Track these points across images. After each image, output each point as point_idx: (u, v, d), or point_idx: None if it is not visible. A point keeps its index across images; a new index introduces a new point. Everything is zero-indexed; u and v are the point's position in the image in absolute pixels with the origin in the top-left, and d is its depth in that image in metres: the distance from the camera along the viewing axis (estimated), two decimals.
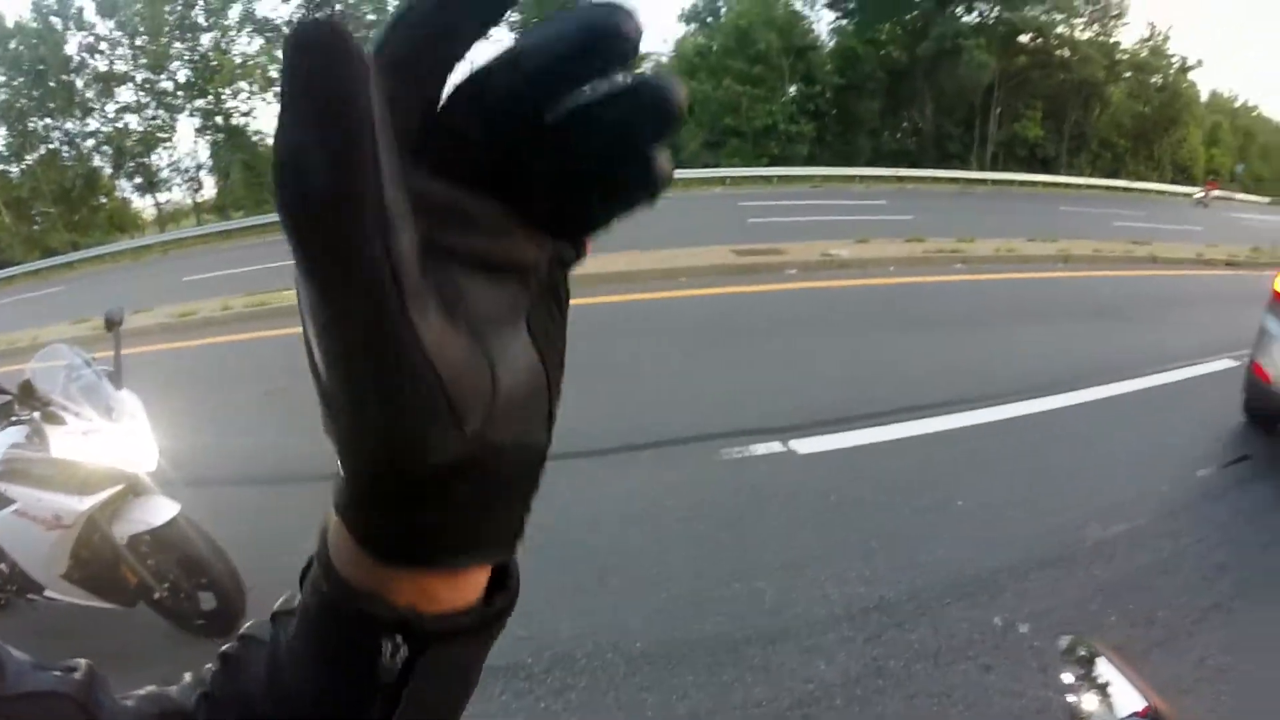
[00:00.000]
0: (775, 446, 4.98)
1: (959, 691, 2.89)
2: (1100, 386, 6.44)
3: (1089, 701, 1.13)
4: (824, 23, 44.54)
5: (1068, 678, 1.16)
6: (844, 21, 42.03)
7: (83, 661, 0.46)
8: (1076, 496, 4.59)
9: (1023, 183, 33.13)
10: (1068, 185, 34.47)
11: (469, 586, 0.37)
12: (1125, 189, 36.61)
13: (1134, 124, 44.47)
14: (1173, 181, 43.22)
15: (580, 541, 4.20)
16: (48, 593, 3.49)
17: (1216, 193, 36.37)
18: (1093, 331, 8.65)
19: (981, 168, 35.29)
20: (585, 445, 5.29)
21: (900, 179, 29.90)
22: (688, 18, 44.73)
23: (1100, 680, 1.13)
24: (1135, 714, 1.08)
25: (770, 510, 4.26)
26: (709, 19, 43.24)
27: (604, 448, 5.25)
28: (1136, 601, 3.73)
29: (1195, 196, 34.27)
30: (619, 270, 10.92)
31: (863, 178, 29.50)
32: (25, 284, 30.69)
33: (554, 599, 3.67)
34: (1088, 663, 1.15)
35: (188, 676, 0.48)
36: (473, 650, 0.40)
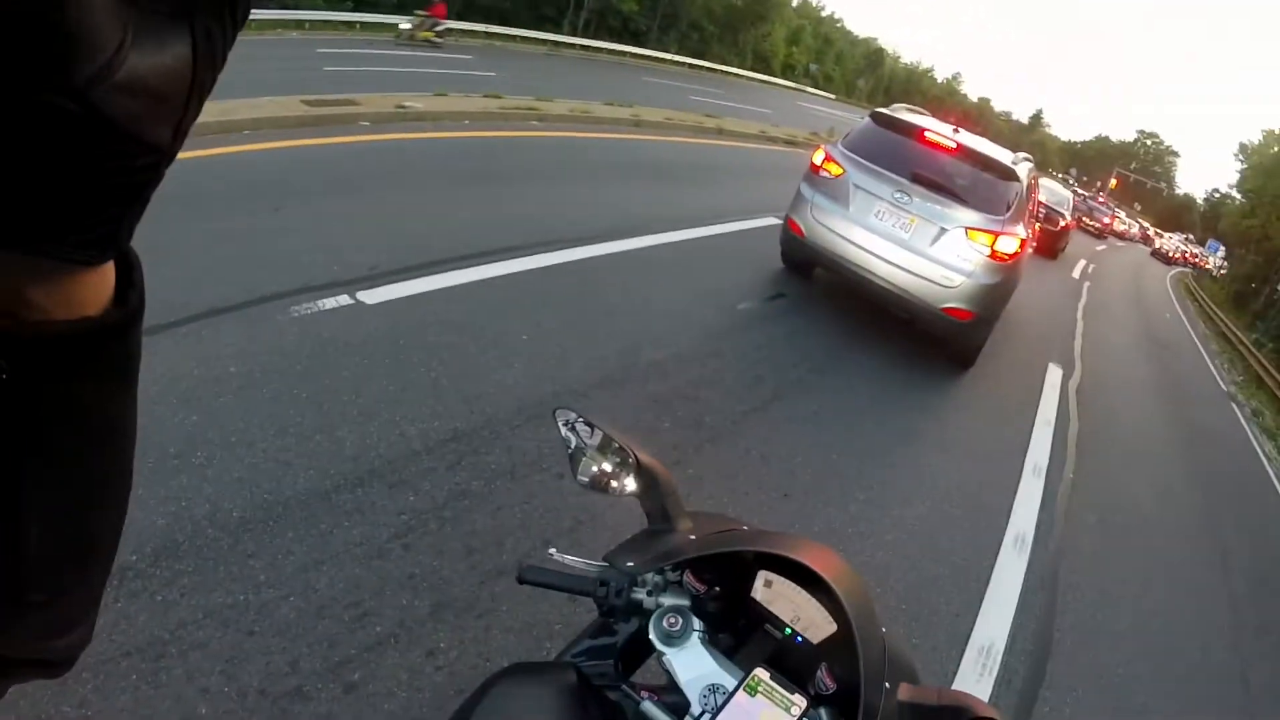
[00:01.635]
0: (344, 299, 4.95)
1: (538, 498, 3.41)
2: (656, 235, 7.47)
3: (623, 481, 1.42)
4: None
5: (604, 465, 1.44)
6: None
7: None
8: (630, 328, 5.39)
9: (611, 51, 34.79)
10: (654, 59, 36.89)
11: (77, 295, 0.34)
12: (708, 68, 40.13)
13: (724, 13, 48.51)
14: (752, 69, 48.12)
15: (156, 422, 3.94)
16: None
17: (450, 24, 27.53)
18: (655, 188, 9.95)
19: (574, 33, 36.30)
20: (148, 321, 4.89)
21: (489, 35, 29.78)
22: None
23: (624, 460, 1.41)
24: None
25: (343, 362, 4.30)
26: None
27: (162, 322, 4.88)
28: (686, 409, 4.52)
29: (404, 28, 25.75)
30: None
31: (450, 30, 28.90)
32: None
33: (138, 491, 3.43)
34: (612, 449, 1.43)
35: None
36: (99, 378, 0.37)
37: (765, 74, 50.02)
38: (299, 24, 27.57)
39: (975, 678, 3.53)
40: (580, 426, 1.46)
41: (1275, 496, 8.80)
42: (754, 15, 50.95)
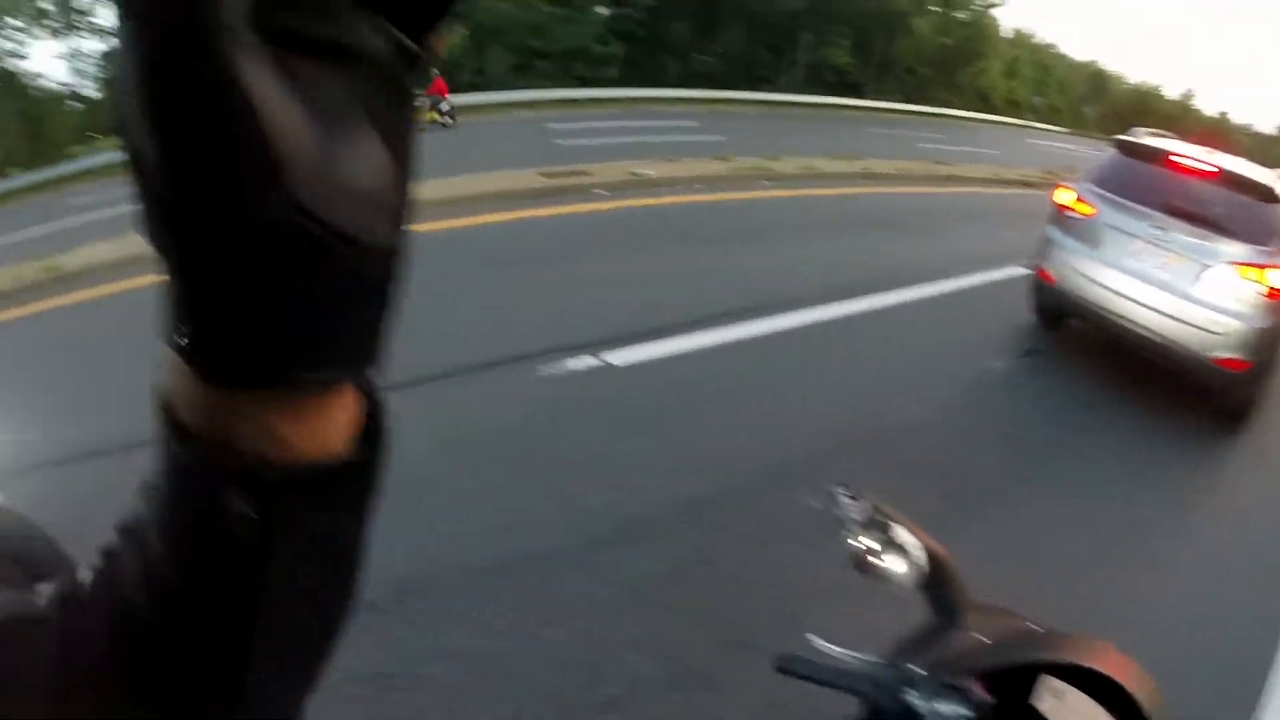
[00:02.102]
0: (590, 361, 5.08)
1: (782, 570, 3.18)
2: (897, 291, 7.08)
3: (894, 563, 1.27)
4: None
5: (872, 543, 1.29)
6: None
7: None
8: (875, 389, 5.11)
9: (832, 106, 34.45)
10: (875, 109, 36.23)
11: (325, 430, 0.33)
12: (930, 114, 38.88)
13: (937, 54, 47.38)
14: (974, 108, 46.44)
15: (406, 473, 4.13)
16: None
17: (453, 100, 22.82)
18: (892, 242, 9.45)
19: (791, 91, 36.32)
20: (397, 378, 5.22)
21: (711, 101, 30.20)
22: None
23: (898, 541, 1.25)
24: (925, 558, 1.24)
25: (590, 421, 4.40)
26: None
27: (418, 378, 5.19)
28: (942, 476, 4.18)
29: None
30: (420, 199, 10.57)
31: (673, 99, 29.58)
32: None
33: (389, 532, 3.62)
34: (882, 525, 1.28)
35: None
36: (342, 512, 0.37)
37: (987, 112, 47.92)
38: (529, 104, 29.31)
39: None
40: (848, 499, 1.34)
41: None
42: (967, 52, 49.31)
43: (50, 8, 35.63)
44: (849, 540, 1.31)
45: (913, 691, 1.14)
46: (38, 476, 5.11)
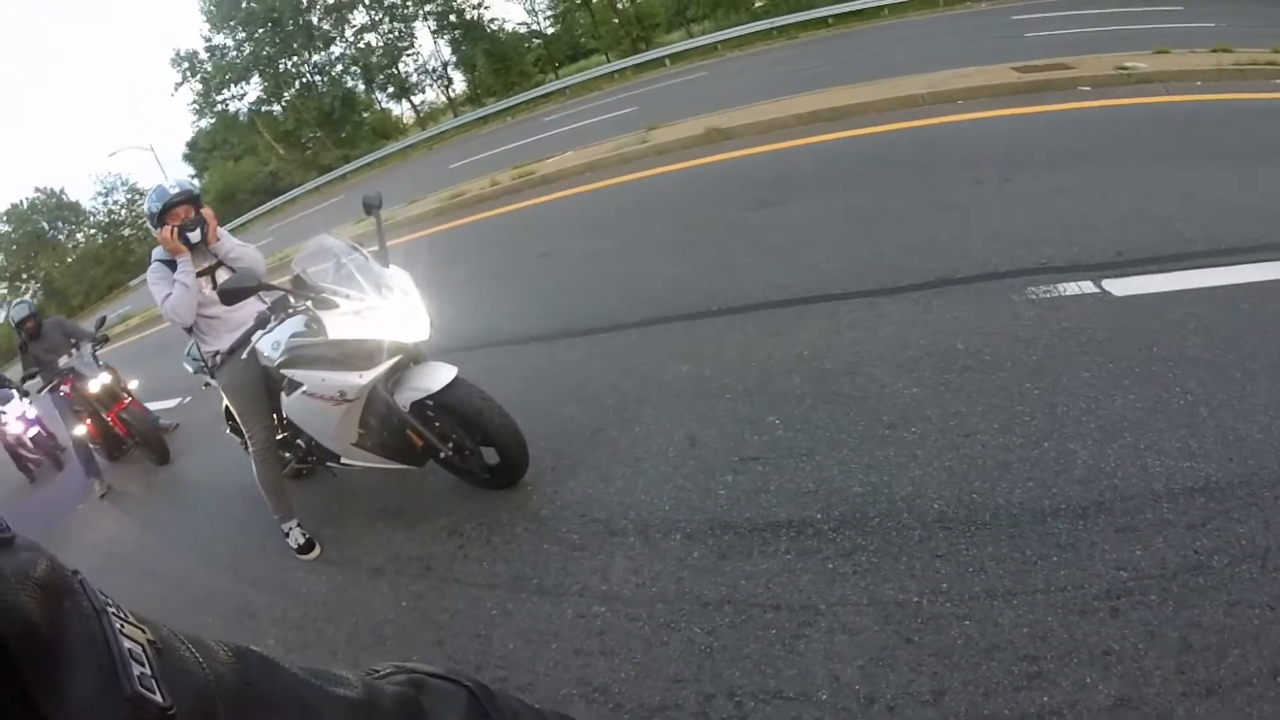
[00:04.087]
0: (1087, 286, 4.19)
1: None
2: None
3: None
4: None
5: None
6: None
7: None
8: None
9: None
10: None
11: None
12: None
13: None
14: None
15: (872, 387, 3.77)
16: (344, 460, 3.72)
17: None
18: None
19: None
20: (876, 283, 4.81)
21: None
22: None
23: None
24: None
25: (1083, 360, 3.56)
26: None
27: (895, 285, 4.71)
28: None
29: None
30: (886, 97, 9.75)
31: None
32: (310, 201, 34.19)
33: (843, 451, 3.34)
34: None
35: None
36: None
37: None
38: None
39: None
40: None
41: None
42: None
43: None
44: None
45: None
46: (491, 352, 5.56)
